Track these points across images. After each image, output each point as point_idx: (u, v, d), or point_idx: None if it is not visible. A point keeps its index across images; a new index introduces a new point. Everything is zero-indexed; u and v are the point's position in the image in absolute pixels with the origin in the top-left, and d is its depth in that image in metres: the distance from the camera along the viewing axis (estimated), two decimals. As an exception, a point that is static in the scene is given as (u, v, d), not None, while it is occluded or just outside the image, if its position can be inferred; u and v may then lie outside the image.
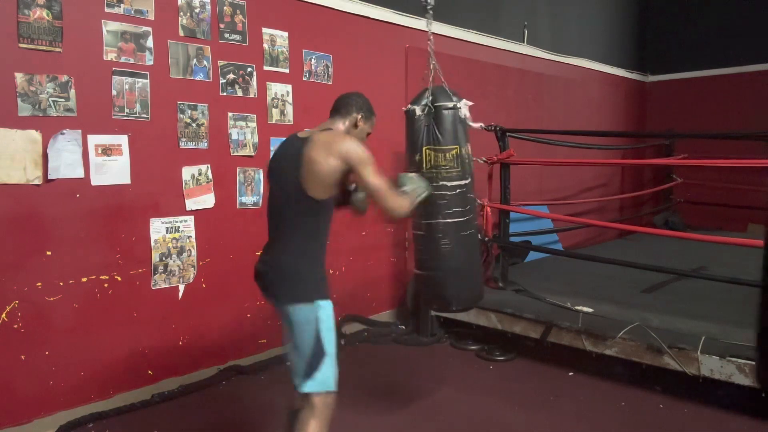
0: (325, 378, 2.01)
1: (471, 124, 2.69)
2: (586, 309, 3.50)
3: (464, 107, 2.63)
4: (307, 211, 2.04)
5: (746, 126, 6.26)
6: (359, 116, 2.21)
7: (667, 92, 7.54)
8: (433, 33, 4.59)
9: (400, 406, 3.06)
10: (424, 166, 2.58)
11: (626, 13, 7.33)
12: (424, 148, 2.58)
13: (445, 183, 2.58)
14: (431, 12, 2.75)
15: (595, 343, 3.29)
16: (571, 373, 3.47)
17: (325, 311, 2.02)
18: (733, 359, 2.83)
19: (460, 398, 3.15)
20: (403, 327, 4.31)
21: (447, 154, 2.56)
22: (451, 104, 2.58)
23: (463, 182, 2.61)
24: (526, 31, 5.67)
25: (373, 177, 2.01)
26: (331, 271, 4.05)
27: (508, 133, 4.09)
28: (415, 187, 2.29)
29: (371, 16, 4.22)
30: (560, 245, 5.77)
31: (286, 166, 2.07)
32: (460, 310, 2.99)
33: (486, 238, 4.08)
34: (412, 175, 2.39)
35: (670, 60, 7.48)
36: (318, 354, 2.01)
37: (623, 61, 7.25)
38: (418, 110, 2.61)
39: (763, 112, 6.46)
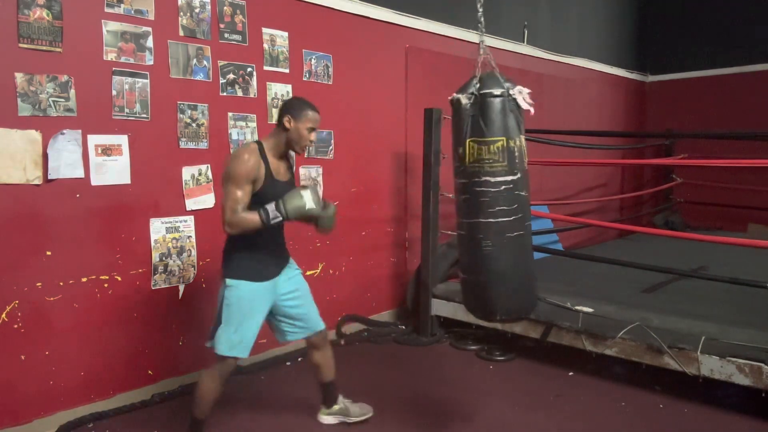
0: (217, 341, 2.41)
1: (527, 108, 2.30)
2: (586, 309, 3.50)
3: (519, 94, 2.24)
4: None
5: (746, 126, 6.26)
6: (286, 118, 2.41)
7: (666, 92, 7.54)
8: (432, 33, 4.69)
9: (400, 406, 3.06)
10: (467, 160, 2.26)
11: (626, 13, 7.33)
12: (467, 141, 2.25)
13: (487, 179, 2.22)
14: (482, 22, 2.37)
15: (595, 343, 3.29)
16: (571, 373, 3.47)
17: (230, 290, 2.38)
18: (733, 359, 2.83)
19: (460, 398, 3.15)
20: (403, 327, 4.31)
21: (491, 147, 2.22)
22: (499, 91, 2.20)
23: (509, 178, 2.22)
24: (526, 31, 5.68)
25: (225, 190, 2.31)
26: (331, 271, 4.06)
27: (508, 133, 4.06)
28: (283, 208, 2.28)
29: (371, 16, 4.23)
30: (560, 245, 5.77)
31: None
32: (506, 321, 2.70)
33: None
34: (304, 193, 2.32)
35: (670, 60, 7.49)
36: (216, 321, 2.42)
37: (623, 61, 7.25)
38: (463, 99, 2.26)
39: (763, 112, 6.46)
